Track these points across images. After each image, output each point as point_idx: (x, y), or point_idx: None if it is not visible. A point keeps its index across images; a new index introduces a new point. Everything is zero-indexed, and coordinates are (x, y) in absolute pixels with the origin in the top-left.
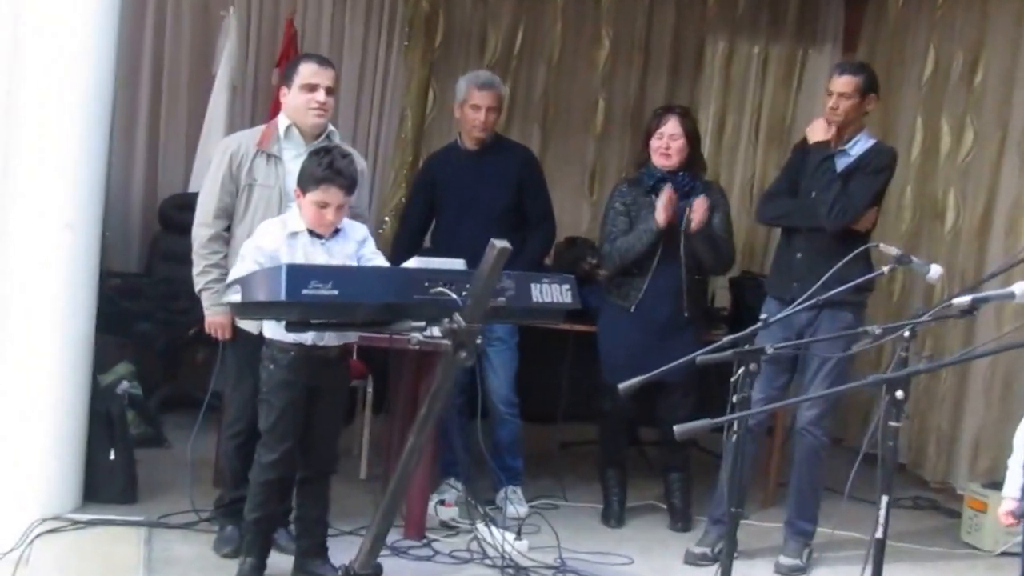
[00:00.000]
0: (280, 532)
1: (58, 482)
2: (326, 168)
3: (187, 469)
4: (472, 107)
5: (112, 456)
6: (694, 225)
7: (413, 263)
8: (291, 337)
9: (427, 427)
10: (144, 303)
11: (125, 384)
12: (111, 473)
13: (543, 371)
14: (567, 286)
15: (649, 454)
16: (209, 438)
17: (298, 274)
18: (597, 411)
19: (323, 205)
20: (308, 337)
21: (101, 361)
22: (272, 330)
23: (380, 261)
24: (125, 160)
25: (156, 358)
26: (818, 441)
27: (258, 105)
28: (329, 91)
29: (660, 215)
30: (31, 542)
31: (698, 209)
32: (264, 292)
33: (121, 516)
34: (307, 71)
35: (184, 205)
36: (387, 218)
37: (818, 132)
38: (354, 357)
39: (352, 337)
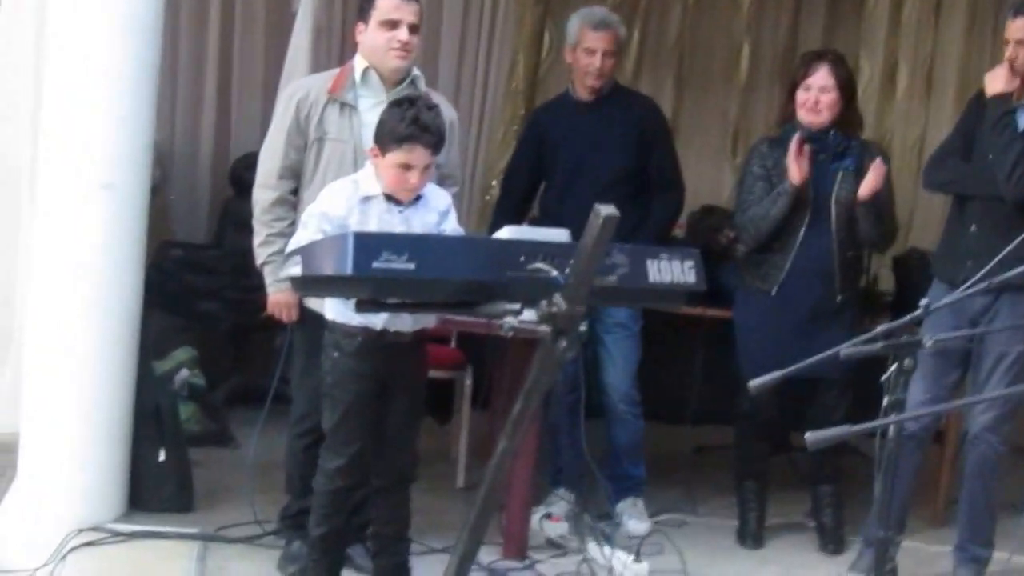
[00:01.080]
0: (356, 548)
1: (97, 487)
2: (410, 123)
3: (252, 473)
4: (585, 51)
5: (162, 457)
6: (865, 191)
7: (506, 233)
8: (358, 320)
9: (521, 428)
10: (210, 279)
11: (185, 373)
12: (160, 477)
13: (671, 363)
14: (690, 263)
15: (798, 463)
16: (280, 437)
17: (368, 244)
18: (734, 412)
19: (406, 167)
20: (378, 320)
21: (157, 346)
22: (335, 311)
23: None
24: (192, 114)
25: (223, 343)
26: (994, 450)
27: (347, 49)
28: (413, 28)
29: (793, 170)
30: (64, 556)
31: (875, 175)
32: (328, 264)
33: (171, 528)
34: (386, 5)
35: None
36: (494, 183)
37: (998, 82)
38: (452, 344)
39: (430, 320)
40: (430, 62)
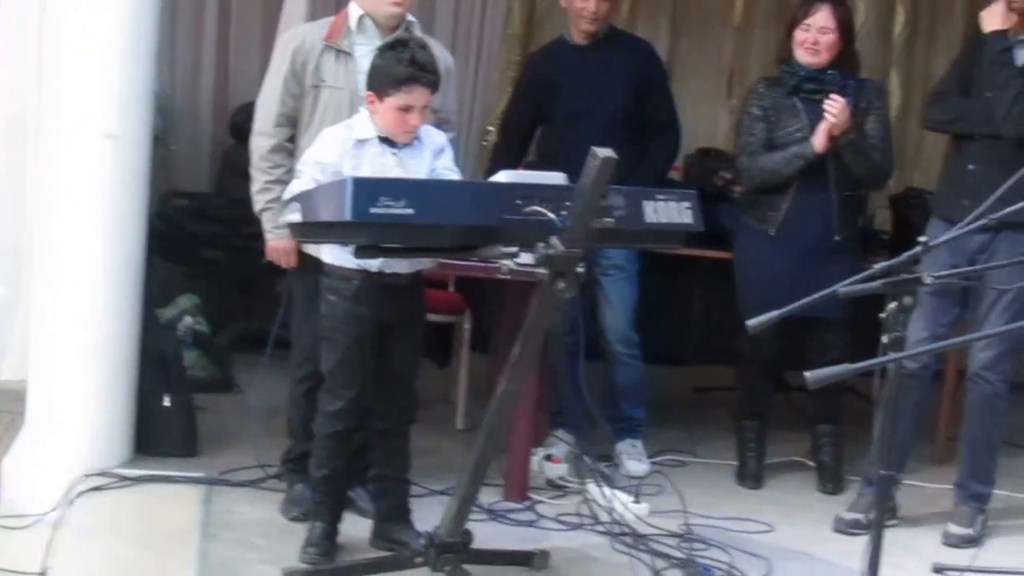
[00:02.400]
0: (358, 492)
1: (104, 433)
2: (408, 64)
3: (256, 418)
4: None
5: (167, 403)
6: (832, 128)
7: (503, 177)
8: (354, 263)
9: (522, 370)
10: (213, 226)
11: (189, 320)
12: (166, 422)
13: (670, 305)
14: (687, 203)
15: (797, 403)
16: (282, 382)
17: (366, 189)
18: (734, 352)
19: (407, 109)
20: (374, 262)
21: (162, 293)
22: (332, 255)
23: (455, 178)
24: (192, 63)
25: (227, 290)
26: (994, 388)
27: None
28: None
29: (820, 140)
30: (72, 501)
31: (834, 107)
32: (326, 210)
33: (176, 472)
34: None
35: None
36: (491, 127)
37: (995, 19)
38: (451, 288)
39: (427, 262)
40: (427, 8)
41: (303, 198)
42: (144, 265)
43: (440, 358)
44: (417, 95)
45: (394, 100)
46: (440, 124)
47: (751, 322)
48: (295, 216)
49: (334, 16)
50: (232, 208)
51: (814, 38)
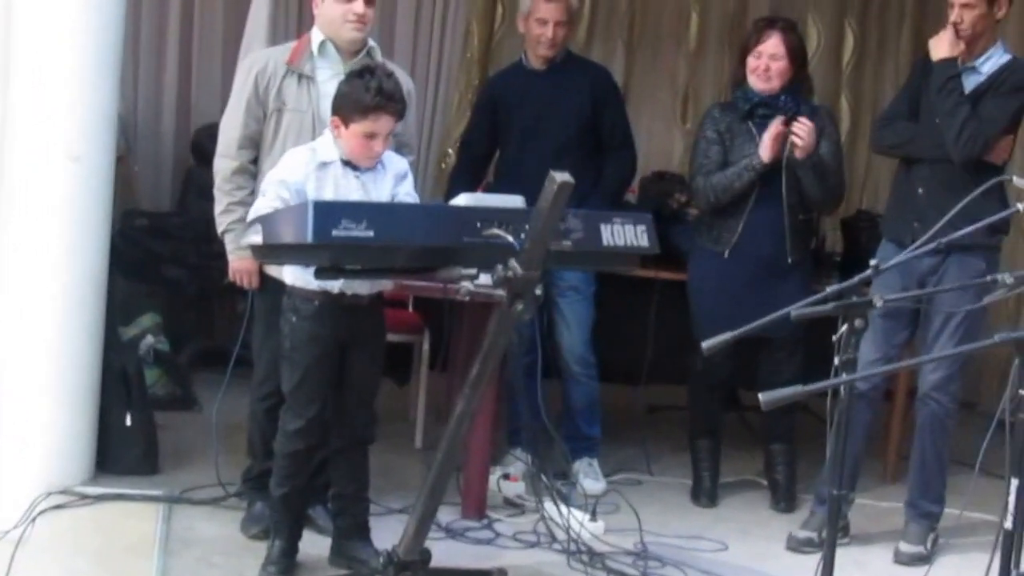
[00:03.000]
0: (317, 510)
1: (65, 451)
2: (376, 93)
3: (216, 436)
4: (538, 20)
5: (128, 421)
6: (799, 151)
7: (463, 200)
8: (315, 284)
9: (479, 390)
10: (175, 245)
11: (150, 338)
12: (127, 440)
13: (625, 325)
14: (643, 227)
15: (750, 421)
16: (243, 400)
17: (327, 212)
18: (687, 371)
19: (371, 136)
20: (335, 283)
21: (123, 312)
22: (294, 276)
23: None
24: (154, 83)
25: (187, 308)
26: (943, 408)
27: (305, 19)
28: (369, 1)
29: (766, 150)
30: (34, 519)
31: (802, 130)
32: (288, 232)
33: (137, 490)
34: None
35: None
36: (450, 150)
37: (943, 46)
38: (410, 308)
39: (387, 283)
40: (386, 32)
41: (265, 220)
42: (106, 284)
43: (399, 377)
44: (382, 123)
45: (359, 127)
46: (400, 148)
47: (705, 343)
48: (257, 238)
49: (295, 40)
50: (194, 227)
51: (765, 64)
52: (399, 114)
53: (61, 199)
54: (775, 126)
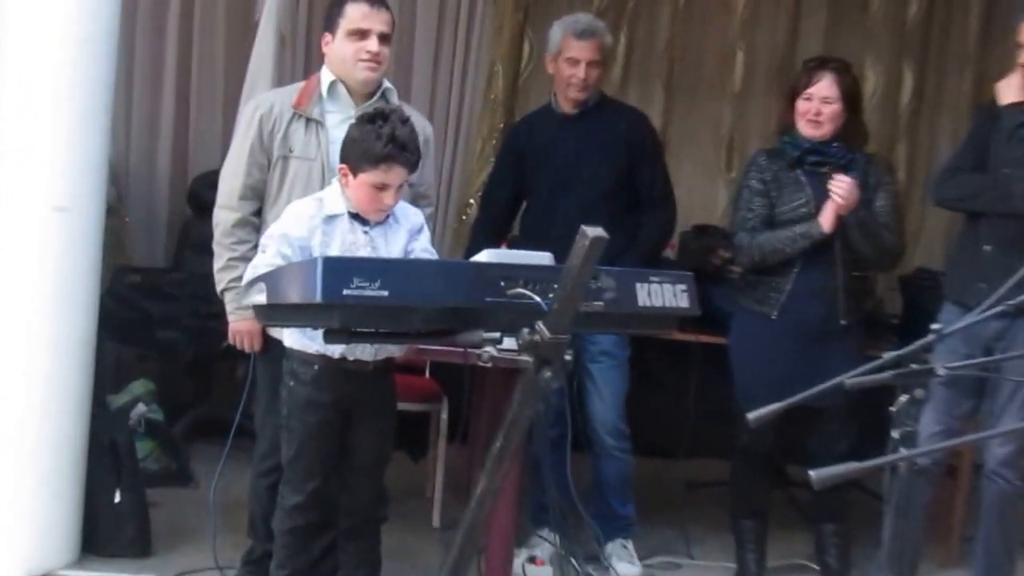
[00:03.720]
0: None
1: (49, 531)
2: (388, 142)
3: (212, 513)
4: (568, 60)
5: (118, 498)
6: (839, 209)
7: (485, 256)
8: (316, 347)
9: (503, 465)
10: (169, 305)
11: (142, 407)
12: (117, 519)
13: (662, 393)
14: (682, 286)
15: (799, 500)
16: (244, 475)
17: (338, 269)
18: (730, 444)
19: (382, 187)
20: (336, 347)
21: (113, 378)
22: (292, 337)
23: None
24: (148, 130)
25: (183, 374)
26: (1012, 486)
27: (312, 61)
28: (384, 38)
29: (827, 221)
30: None
31: (842, 188)
32: (295, 291)
33: (127, 574)
34: (355, 13)
35: None
36: (472, 201)
37: (1012, 90)
38: (427, 375)
39: (393, 350)
40: (402, 73)
41: (269, 278)
42: (94, 347)
43: (415, 450)
44: (394, 174)
45: (368, 177)
46: (417, 199)
47: (752, 415)
48: (260, 297)
49: (303, 81)
50: (190, 285)
51: (816, 108)
52: (413, 165)
53: (44, 254)
54: (836, 199)
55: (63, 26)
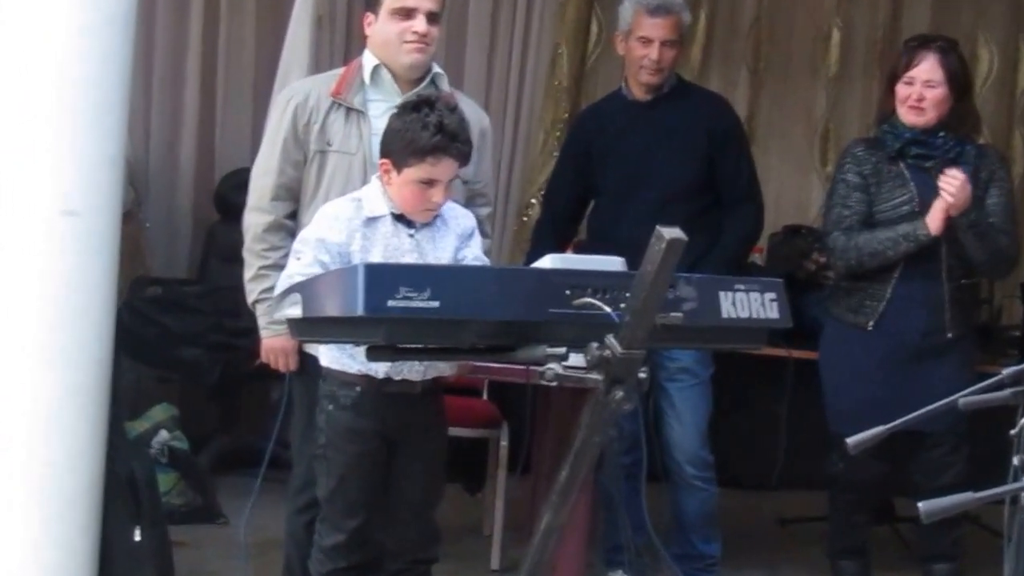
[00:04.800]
0: None
1: (62, 573)
2: (436, 131)
3: (243, 554)
4: (640, 40)
5: (137, 536)
6: (950, 208)
7: (548, 262)
8: (357, 366)
9: (569, 498)
10: (193, 321)
11: (164, 435)
12: (136, 561)
13: (750, 416)
14: (772, 295)
15: (905, 536)
16: (279, 511)
17: (382, 277)
18: (827, 475)
19: (429, 183)
20: (381, 366)
21: (132, 403)
22: (330, 356)
23: None
24: (170, 124)
25: (209, 398)
26: None
27: (353, 44)
28: (432, 17)
29: (936, 222)
30: None
31: (952, 185)
32: (334, 303)
33: None
34: None
35: None
36: (533, 200)
37: None
38: (484, 397)
39: (443, 368)
40: (455, 57)
41: (305, 288)
42: (110, 369)
43: (470, 482)
44: (443, 168)
45: (414, 172)
46: (473, 198)
47: (852, 440)
48: (295, 310)
49: (342, 67)
50: (216, 298)
51: (918, 93)
52: (464, 158)
53: (52, 264)
54: (945, 196)
55: (72, 8)
